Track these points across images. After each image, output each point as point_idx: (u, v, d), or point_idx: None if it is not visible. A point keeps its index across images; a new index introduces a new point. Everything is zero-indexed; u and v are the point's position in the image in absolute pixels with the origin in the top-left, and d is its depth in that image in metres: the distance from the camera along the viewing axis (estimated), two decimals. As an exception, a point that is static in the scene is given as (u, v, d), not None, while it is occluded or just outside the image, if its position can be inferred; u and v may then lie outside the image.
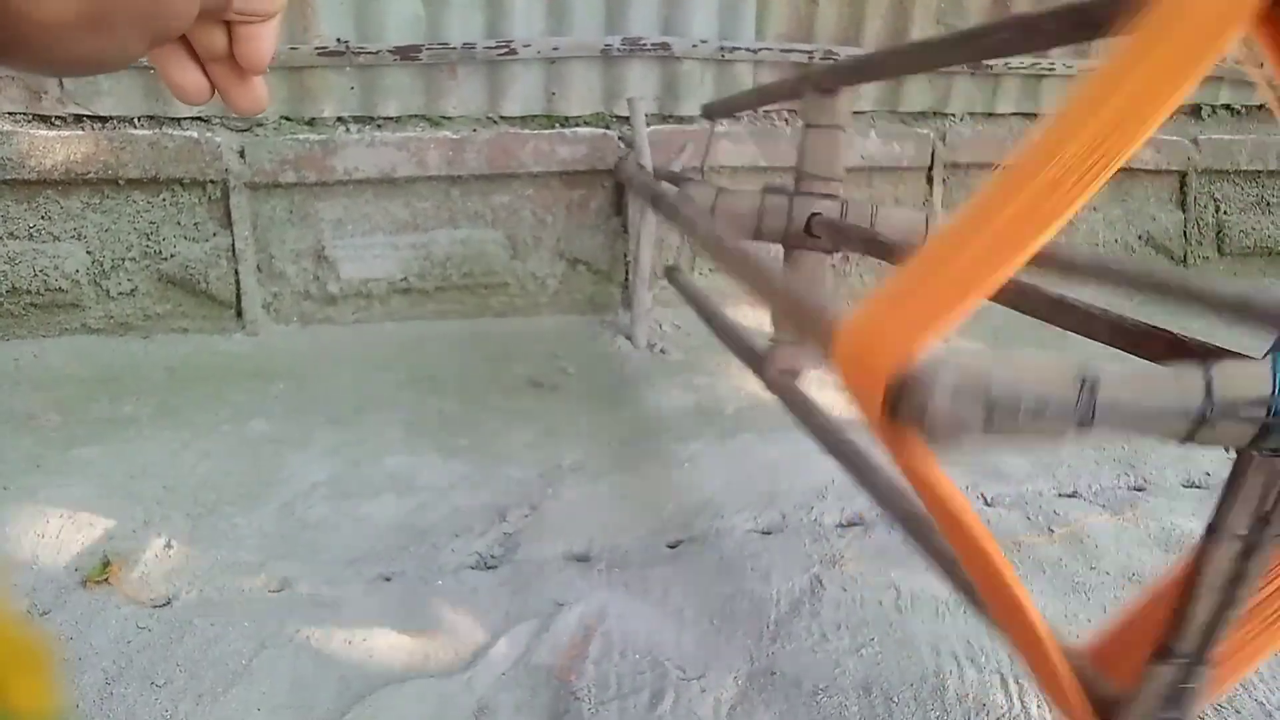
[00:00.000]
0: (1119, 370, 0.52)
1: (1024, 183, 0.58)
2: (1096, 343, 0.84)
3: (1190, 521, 1.63)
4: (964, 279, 0.57)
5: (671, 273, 2.24)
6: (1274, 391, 0.52)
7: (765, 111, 2.76)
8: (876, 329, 0.62)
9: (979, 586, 0.67)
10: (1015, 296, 0.91)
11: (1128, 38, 0.59)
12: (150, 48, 0.33)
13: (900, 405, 0.52)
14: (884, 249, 1.15)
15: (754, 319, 2.61)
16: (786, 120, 2.77)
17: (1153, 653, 0.60)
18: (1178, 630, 0.59)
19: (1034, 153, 0.59)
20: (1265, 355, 0.56)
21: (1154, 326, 0.74)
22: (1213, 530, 0.57)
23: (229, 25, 0.37)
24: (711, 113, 2.26)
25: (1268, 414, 0.51)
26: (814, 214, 1.30)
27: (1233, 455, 0.56)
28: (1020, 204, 0.57)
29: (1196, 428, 0.52)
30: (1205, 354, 0.66)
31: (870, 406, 0.57)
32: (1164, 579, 0.65)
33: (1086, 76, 0.59)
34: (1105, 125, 0.55)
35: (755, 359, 1.45)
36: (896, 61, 1.21)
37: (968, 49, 1.02)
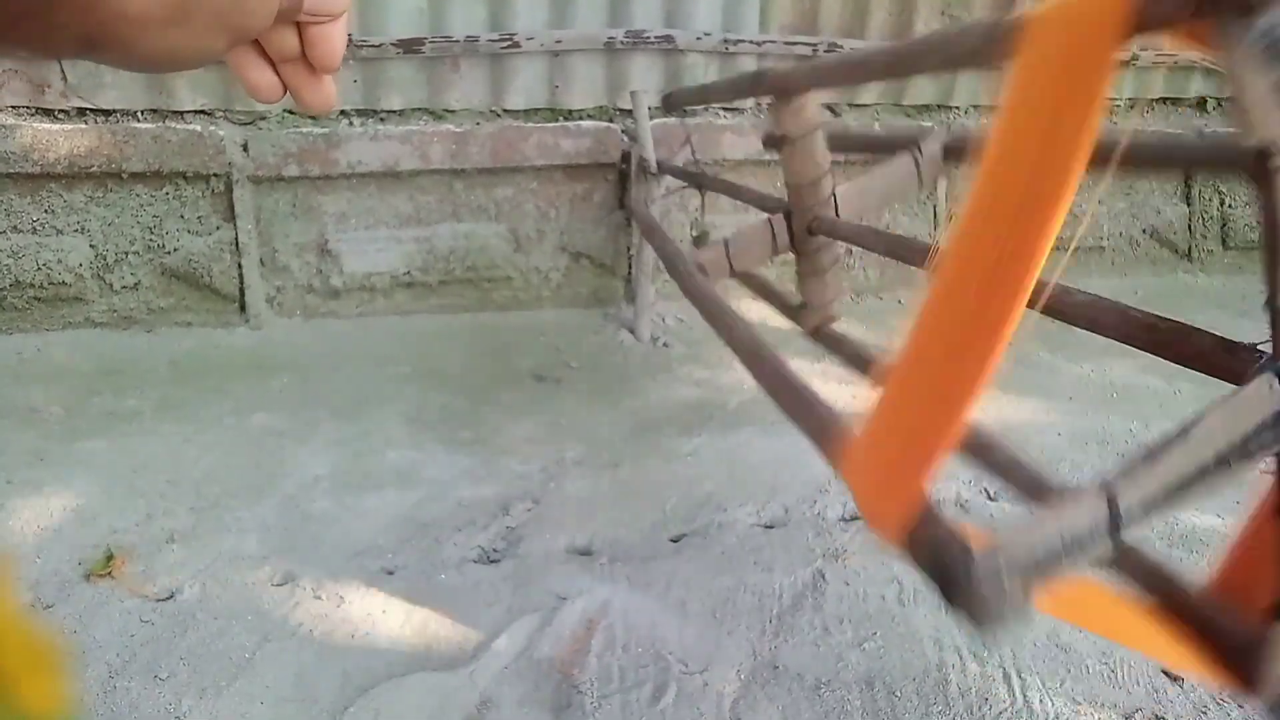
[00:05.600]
0: (1130, 468, 0.52)
1: (968, 282, 0.56)
2: (1105, 338, 0.84)
3: (1195, 517, 1.62)
4: (937, 407, 0.56)
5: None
6: None
7: (769, 104, 2.75)
8: (879, 463, 0.62)
9: None
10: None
11: (1008, 98, 0.56)
12: (230, 46, 0.34)
13: (935, 577, 0.53)
14: (882, 244, 1.16)
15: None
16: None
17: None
18: None
19: (963, 248, 0.57)
20: (1252, 379, 0.55)
21: (1164, 318, 0.74)
22: None
23: (299, 26, 0.39)
24: (671, 104, 2.25)
25: None
26: (816, 216, 1.31)
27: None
28: (970, 307, 0.55)
29: (1224, 470, 0.52)
30: (1222, 349, 0.65)
31: (894, 545, 0.57)
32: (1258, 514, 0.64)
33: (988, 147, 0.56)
34: (1021, 193, 0.52)
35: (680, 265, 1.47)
36: (853, 68, 1.19)
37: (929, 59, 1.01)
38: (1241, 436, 0.52)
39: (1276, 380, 0.53)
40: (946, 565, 0.51)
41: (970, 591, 0.49)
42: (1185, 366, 0.69)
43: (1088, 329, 0.82)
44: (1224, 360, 0.64)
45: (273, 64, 0.40)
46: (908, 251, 1.09)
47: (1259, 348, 0.59)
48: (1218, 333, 0.67)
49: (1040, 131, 0.53)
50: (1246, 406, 0.53)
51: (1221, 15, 0.46)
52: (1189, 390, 2.19)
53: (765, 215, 1.41)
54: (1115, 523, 0.51)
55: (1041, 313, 0.91)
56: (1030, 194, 0.52)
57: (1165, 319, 0.72)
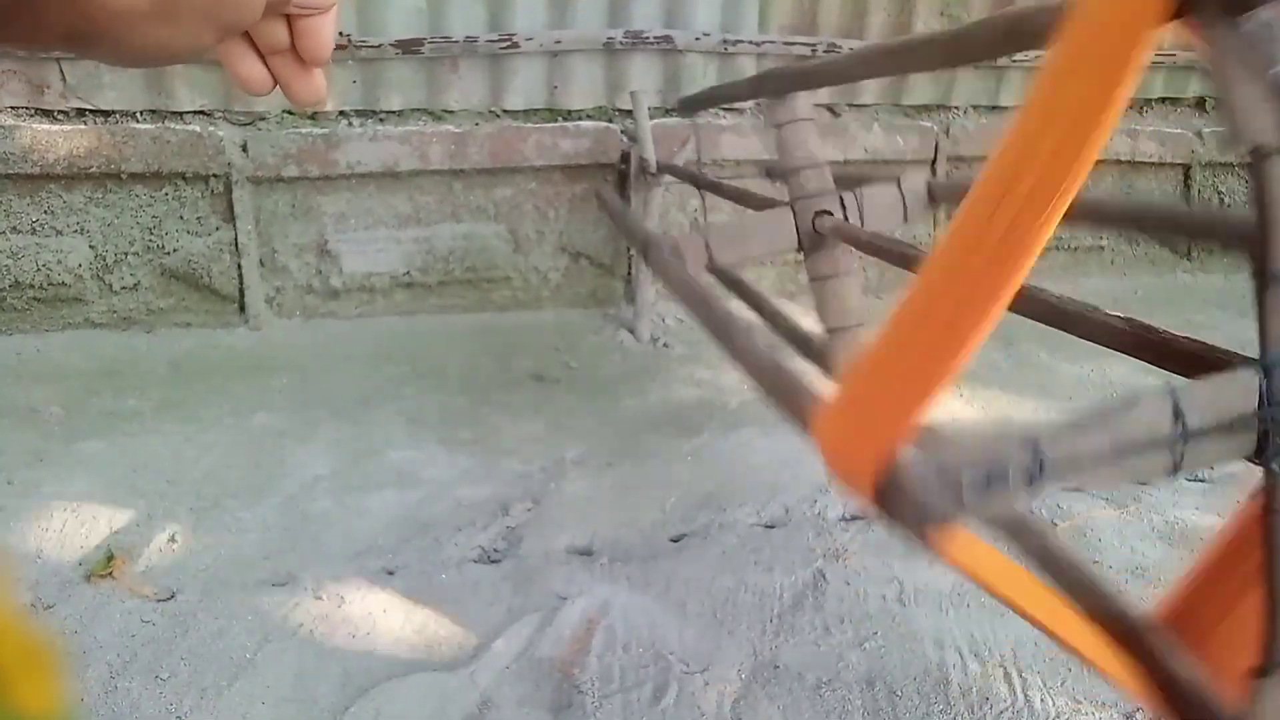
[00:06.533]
0: (1071, 420, 0.51)
1: (974, 242, 0.55)
2: (1103, 348, 0.84)
3: (1194, 516, 1.62)
4: (932, 358, 0.55)
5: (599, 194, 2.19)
6: (1263, 403, 0.50)
7: (768, 104, 2.75)
8: (853, 421, 0.61)
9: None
10: (1025, 303, 0.90)
11: (1042, 74, 0.56)
12: (219, 40, 0.34)
13: (892, 512, 0.52)
14: (888, 251, 1.15)
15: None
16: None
17: (1258, 668, 0.55)
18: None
19: (975, 209, 0.56)
20: (1246, 367, 0.54)
21: (1162, 331, 0.74)
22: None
23: (289, 19, 0.39)
24: (686, 106, 2.23)
25: (1262, 426, 0.50)
26: (819, 212, 1.30)
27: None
28: (973, 267, 0.54)
29: (1179, 459, 0.51)
30: (1216, 362, 0.65)
31: (864, 500, 0.56)
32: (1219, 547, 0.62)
33: (1012, 118, 0.57)
34: (1043, 163, 0.52)
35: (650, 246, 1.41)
36: (843, 68, 1.19)
37: (912, 58, 0.99)
38: (1192, 427, 0.51)
39: (1262, 374, 0.51)
40: (894, 495, 0.51)
41: (912, 513, 0.49)
42: (1179, 374, 0.69)
43: (1091, 341, 0.82)
44: (1216, 368, 0.64)
45: (262, 56, 0.40)
46: (907, 257, 1.08)
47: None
48: (1217, 333, 0.67)
49: (1069, 107, 0.52)
50: (1219, 395, 0.52)
51: (1207, 14, 0.46)
52: (1189, 389, 2.18)
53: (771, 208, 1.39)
54: (1036, 469, 0.49)
55: (1047, 325, 0.91)
56: (1050, 164, 0.52)
57: (1170, 334, 0.72)
